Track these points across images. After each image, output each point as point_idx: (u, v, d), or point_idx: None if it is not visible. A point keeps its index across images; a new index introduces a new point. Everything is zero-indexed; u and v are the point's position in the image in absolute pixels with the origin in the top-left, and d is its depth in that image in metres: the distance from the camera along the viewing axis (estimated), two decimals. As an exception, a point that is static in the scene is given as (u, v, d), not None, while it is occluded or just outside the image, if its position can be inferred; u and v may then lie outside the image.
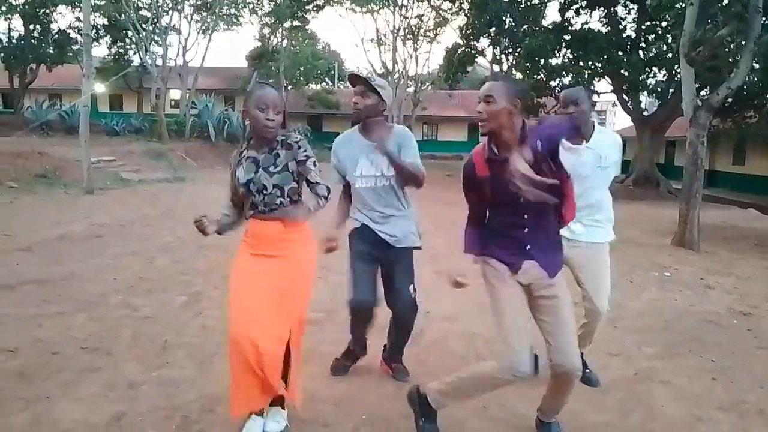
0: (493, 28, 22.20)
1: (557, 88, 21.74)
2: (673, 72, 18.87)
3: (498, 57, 24.91)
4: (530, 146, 2.35)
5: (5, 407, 2.85)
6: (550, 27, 21.06)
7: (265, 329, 2.47)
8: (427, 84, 35.35)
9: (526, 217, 2.45)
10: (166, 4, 26.16)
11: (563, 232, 2.89)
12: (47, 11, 25.94)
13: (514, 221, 2.47)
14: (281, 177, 2.55)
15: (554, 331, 2.46)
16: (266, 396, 2.60)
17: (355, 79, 3.11)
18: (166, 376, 3.27)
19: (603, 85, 21.55)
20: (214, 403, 2.94)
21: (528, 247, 2.48)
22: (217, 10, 27.20)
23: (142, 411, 2.86)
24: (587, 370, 3.45)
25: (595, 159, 3.12)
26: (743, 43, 8.85)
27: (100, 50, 30.72)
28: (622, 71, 19.21)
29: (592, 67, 19.72)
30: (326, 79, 42.26)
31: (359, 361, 3.46)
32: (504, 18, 21.60)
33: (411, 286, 3.18)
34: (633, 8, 20.38)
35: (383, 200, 3.12)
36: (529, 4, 22.03)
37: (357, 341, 3.34)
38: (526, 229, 2.47)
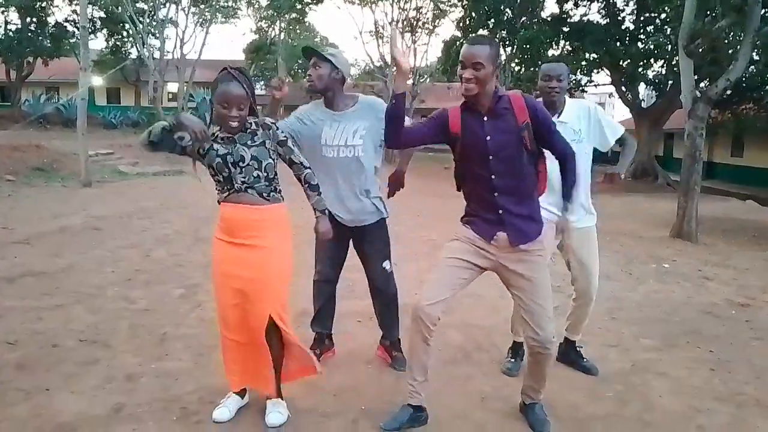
0: (491, 20, 22.12)
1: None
2: (672, 64, 18.82)
3: (496, 49, 24.79)
4: (506, 110, 2.47)
5: (5, 399, 2.85)
6: (549, 19, 20.99)
7: (238, 322, 2.64)
8: (426, 77, 35.23)
9: (493, 177, 2.50)
10: (163, -3, 26.02)
11: (569, 217, 2.98)
12: (43, 4, 25.76)
13: (485, 184, 2.53)
14: (258, 150, 2.57)
15: (529, 307, 2.52)
16: (253, 380, 2.76)
17: (307, 51, 3.12)
18: (164, 368, 3.28)
19: (601, 76, 21.50)
20: (213, 394, 2.94)
21: (501, 211, 2.53)
22: (214, 3, 27.06)
23: (141, 403, 2.86)
24: (584, 360, 3.47)
25: (570, 133, 3.06)
26: (742, 34, 8.83)
27: (98, 43, 30.67)
28: (620, 63, 19.19)
29: (591, 58, 19.67)
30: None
31: (331, 353, 3.49)
32: (502, 10, 21.51)
33: (385, 262, 3.24)
34: (632, 0, 20.32)
35: (345, 174, 3.10)
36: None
37: (320, 321, 3.39)
38: (496, 193, 2.52)
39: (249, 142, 2.57)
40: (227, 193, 2.60)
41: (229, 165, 2.56)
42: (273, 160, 2.61)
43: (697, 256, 7.40)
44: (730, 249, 8.16)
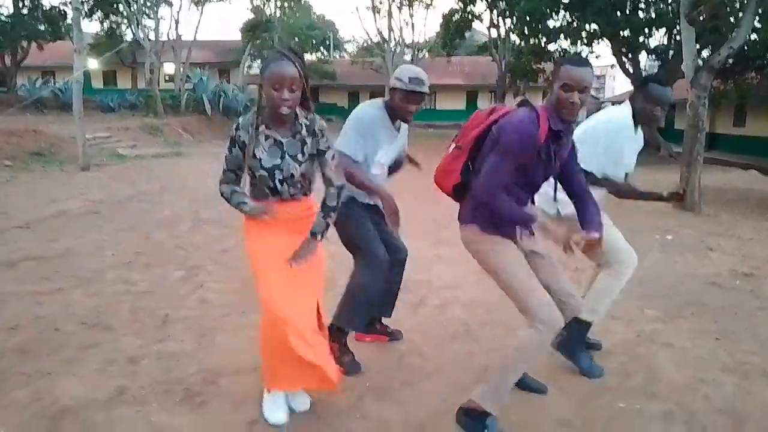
0: (490, -8, 21.84)
1: (556, 52, 21.40)
2: (674, 33, 18.57)
3: (495, 21, 24.53)
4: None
5: (7, 384, 2.83)
6: (548, -11, 20.65)
7: (300, 309, 2.41)
8: (424, 51, 34.88)
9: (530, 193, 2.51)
10: (156, -24, 25.62)
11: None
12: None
13: (528, 196, 2.50)
14: (307, 166, 2.42)
15: (555, 278, 2.53)
16: (310, 377, 2.48)
17: (420, 95, 2.97)
18: (166, 350, 3.26)
19: (602, 47, 21.27)
20: (216, 375, 2.93)
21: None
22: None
23: (143, 385, 2.85)
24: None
25: None
26: (745, 1, 8.67)
27: (93, 26, 30.31)
28: (621, 33, 18.89)
29: (591, 29, 19.39)
30: (322, 48, 41.72)
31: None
32: (501, -19, 21.21)
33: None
34: (633, -32, 19.96)
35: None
36: (526, -35, 21.55)
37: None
38: (529, 202, 2.54)
39: (299, 156, 2.37)
40: (271, 197, 2.42)
41: (276, 181, 2.37)
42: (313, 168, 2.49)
43: (701, 226, 7.37)
44: (734, 219, 8.11)
